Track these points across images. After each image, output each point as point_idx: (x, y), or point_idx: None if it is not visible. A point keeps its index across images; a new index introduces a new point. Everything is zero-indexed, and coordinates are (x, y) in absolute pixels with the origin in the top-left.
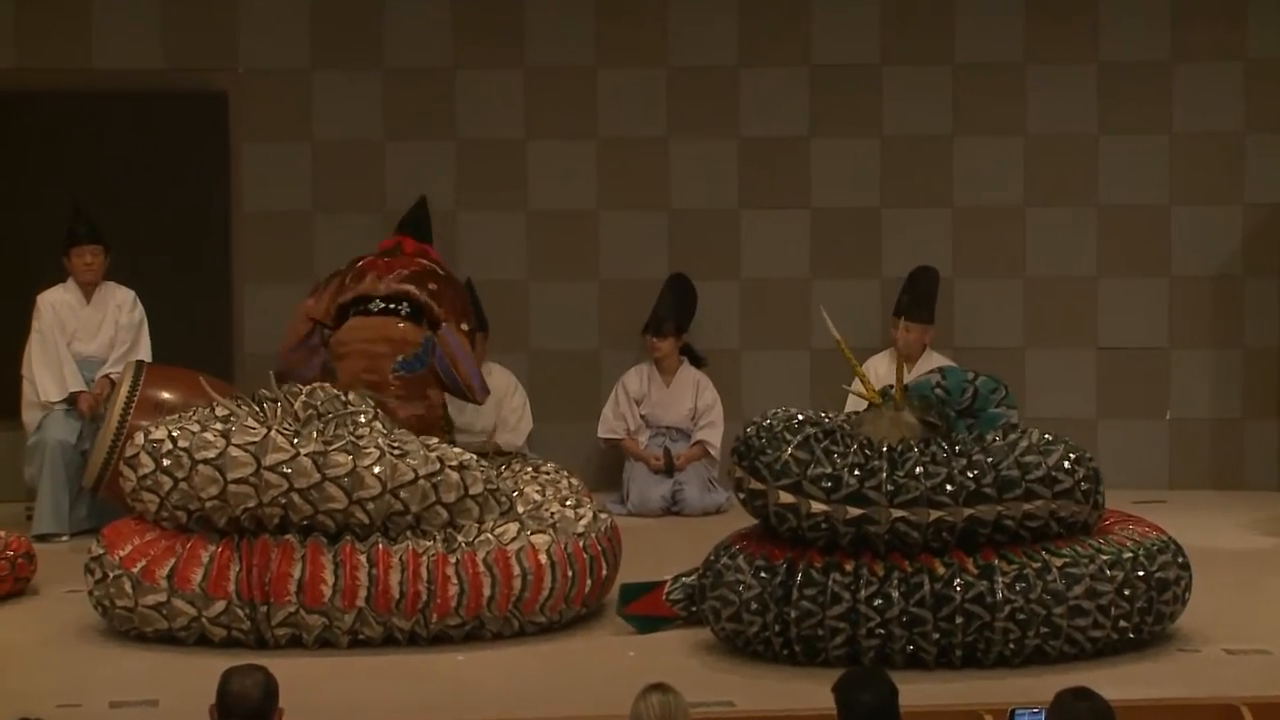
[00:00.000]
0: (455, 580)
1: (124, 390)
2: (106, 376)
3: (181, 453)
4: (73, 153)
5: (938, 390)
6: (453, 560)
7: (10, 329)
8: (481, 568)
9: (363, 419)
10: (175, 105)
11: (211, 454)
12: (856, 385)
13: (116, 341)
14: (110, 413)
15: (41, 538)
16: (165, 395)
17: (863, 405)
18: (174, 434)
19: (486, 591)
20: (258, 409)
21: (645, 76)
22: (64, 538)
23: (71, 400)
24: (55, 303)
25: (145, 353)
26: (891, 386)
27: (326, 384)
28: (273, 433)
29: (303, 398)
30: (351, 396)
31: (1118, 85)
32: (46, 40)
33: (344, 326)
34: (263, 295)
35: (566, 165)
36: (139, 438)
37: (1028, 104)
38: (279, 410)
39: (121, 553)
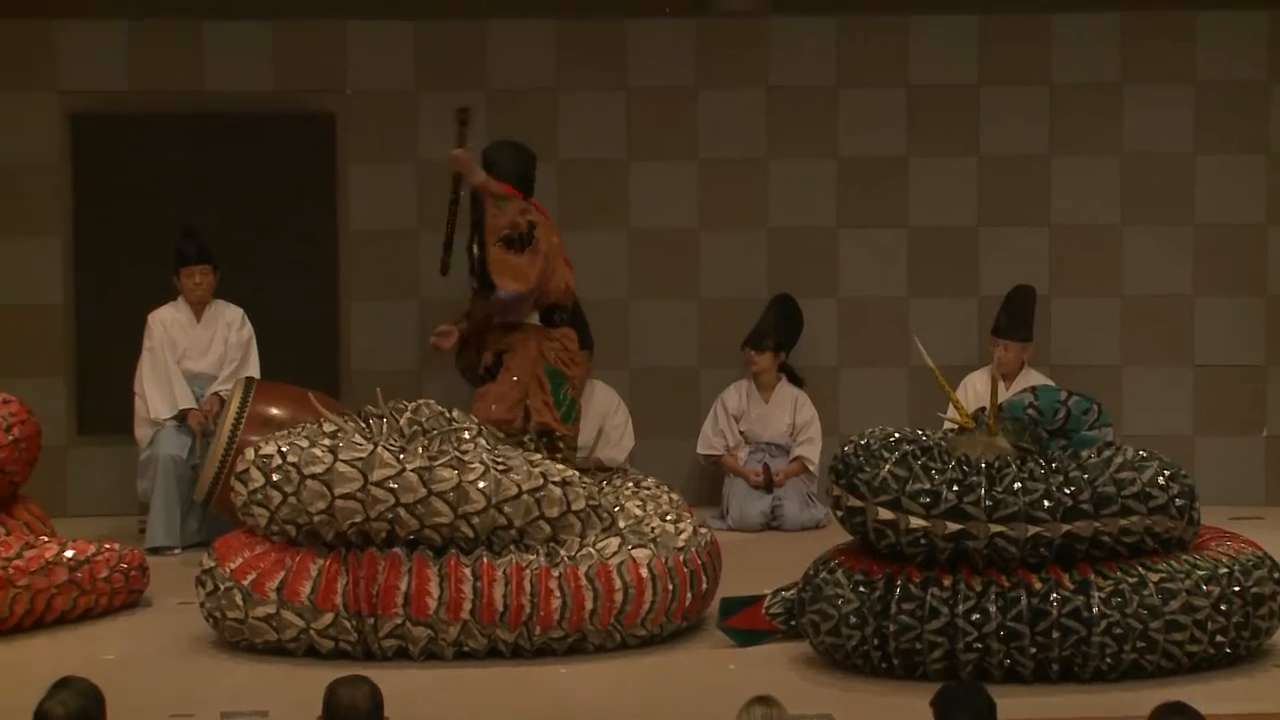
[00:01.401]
0: (558, 594)
1: (234, 406)
2: (216, 393)
3: (290, 468)
4: (184, 173)
5: (1030, 411)
6: (555, 574)
7: (122, 347)
8: (584, 581)
9: (466, 435)
10: (284, 126)
11: (320, 469)
12: (951, 412)
13: (226, 359)
14: (220, 429)
15: (154, 551)
16: (274, 411)
17: (956, 427)
18: (283, 449)
19: (589, 605)
20: (364, 425)
21: (744, 98)
22: (176, 551)
23: (182, 417)
24: (166, 321)
25: (254, 369)
26: (985, 409)
27: (430, 400)
28: (379, 449)
29: (408, 414)
30: (456, 413)
31: (1214, 105)
32: (159, 64)
33: None
34: (368, 312)
35: (667, 185)
36: (249, 453)
37: (1124, 124)
38: (385, 426)
39: (232, 565)
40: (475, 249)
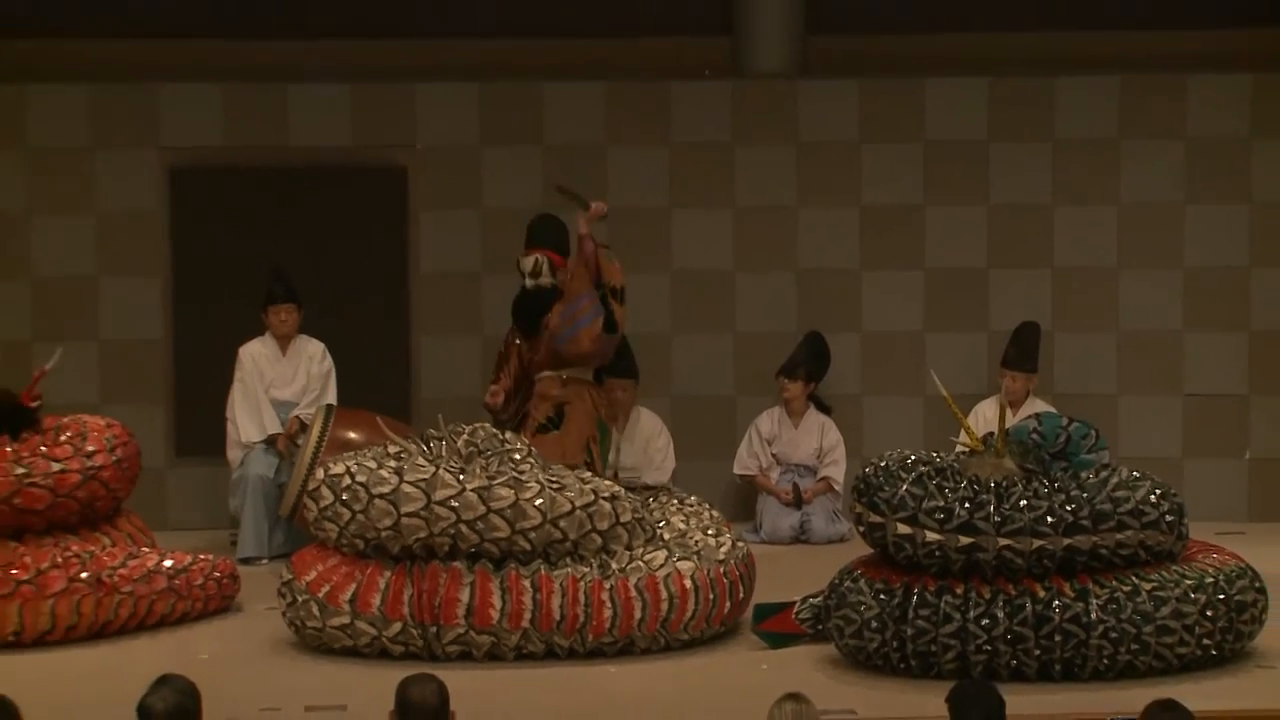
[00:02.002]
0: (610, 605)
1: (316, 431)
2: (297, 416)
3: (359, 487)
4: (271, 220)
5: (1034, 435)
6: (607, 586)
7: (216, 377)
8: (633, 593)
9: (517, 455)
10: (360, 178)
11: (386, 489)
12: (962, 436)
13: (308, 388)
14: (303, 451)
15: (244, 561)
16: (351, 435)
17: (967, 450)
18: (352, 470)
19: (637, 614)
20: (426, 447)
21: (776, 152)
22: (263, 561)
23: (269, 440)
24: (255, 354)
25: (333, 397)
26: (993, 434)
27: (485, 424)
28: (441, 470)
29: (465, 436)
30: (508, 435)
31: (1202, 159)
32: (249, 122)
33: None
34: (436, 346)
35: (706, 231)
36: (320, 473)
37: (1120, 176)
38: (444, 448)
39: (308, 579)
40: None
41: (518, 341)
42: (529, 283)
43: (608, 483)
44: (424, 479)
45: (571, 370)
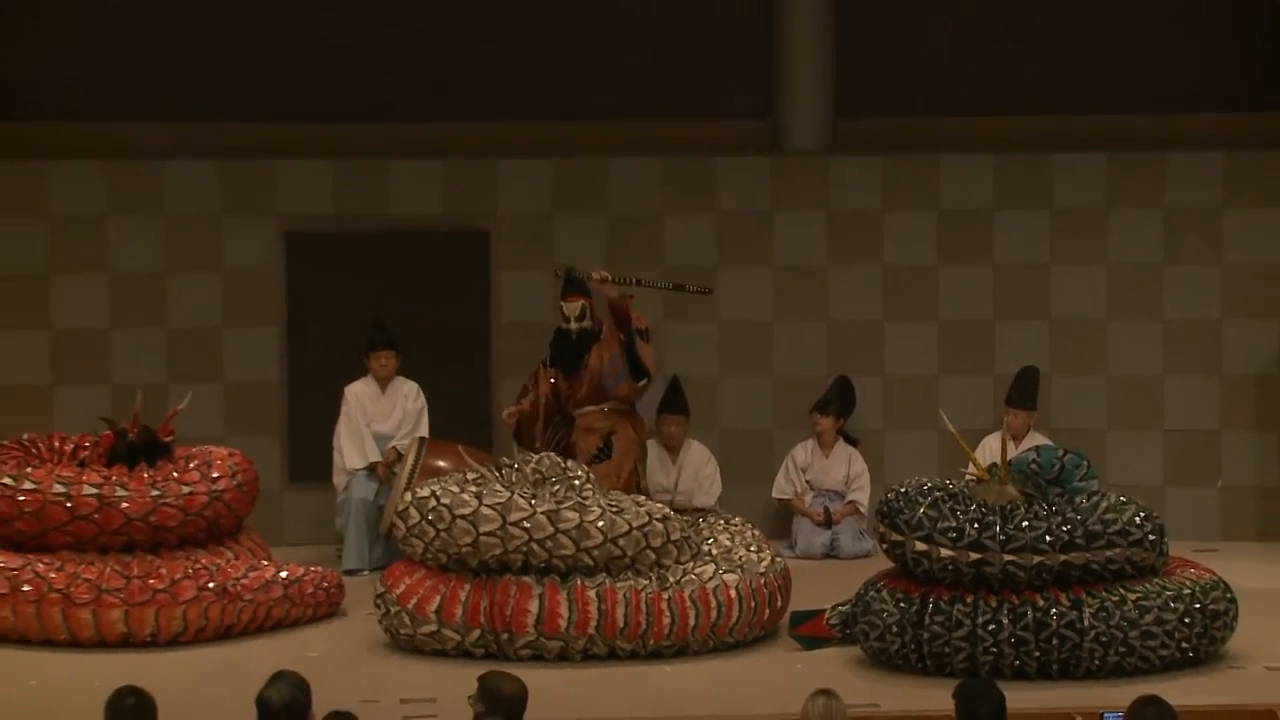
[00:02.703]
0: (668, 614)
1: (410, 459)
2: (394, 447)
3: (443, 509)
4: (373, 277)
5: (1033, 465)
6: (665, 597)
7: (324, 413)
8: (688, 603)
9: (578, 481)
10: (449, 241)
11: (467, 511)
12: (970, 467)
13: (404, 422)
14: (400, 476)
15: (349, 572)
16: (440, 463)
17: (976, 478)
18: (437, 493)
19: (691, 621)
20: (501, 474)
21: (809, 218)
22: (365, 572)
23: (370, 467)
24: (358, 393)
25: (425, 430)
26: (998, 464)
27: (550, 454)
28: (515, 495)
29: (533, 464)
30: (569, 463)
31: (1179, 226)
32: (355, 193)
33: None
34: (514, 387)
35: (748, 286)
36: (408, 496)
37: (1108, 240)
38: (516, 475)
39: (398, 591)
40: (625, 345)
41: (553, 380)
42: (573, 326)
43: (660, 505)
44: (500, 502)
45: (611, 403)
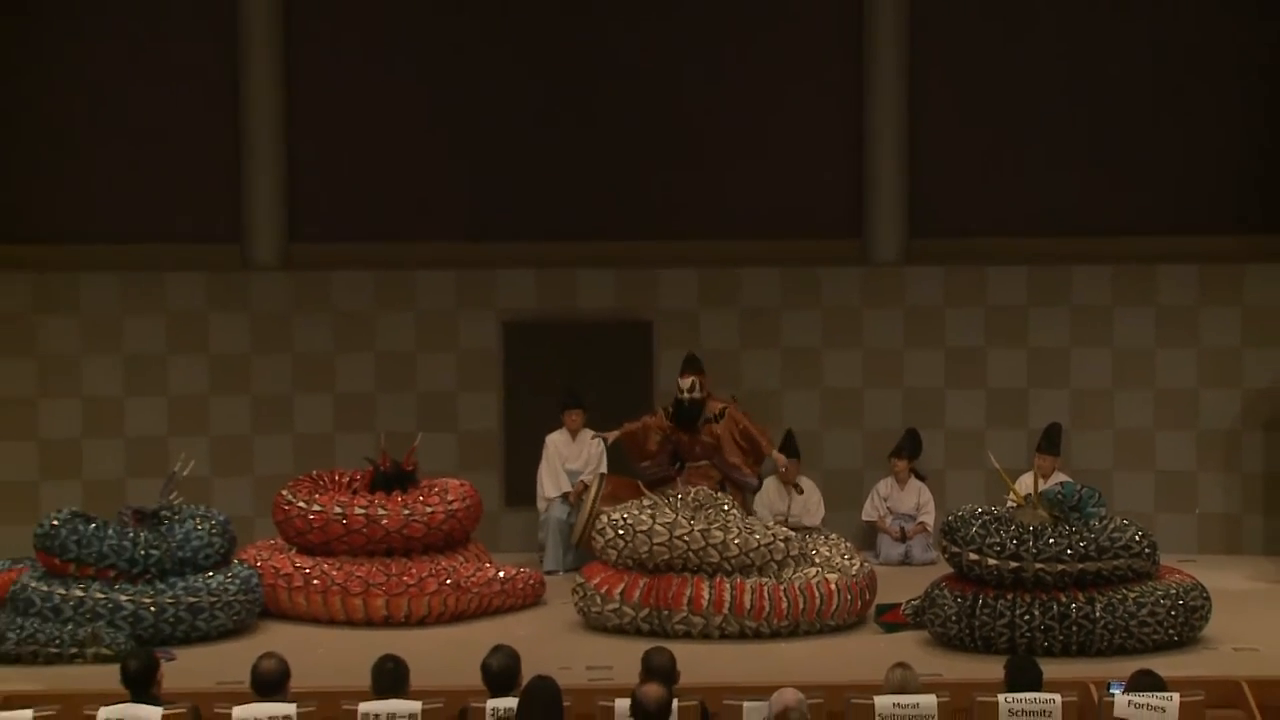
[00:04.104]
0: (784, 600)
1: (594, 490)
2: (582, 480)
3: (629, 526)
4: (566, 356)
5: (1058, 496)
6: (782, 588)
7: (532, 455)
8: (798, 593)
9: (726, 506)
10: (621, 329)
11: (644, 528)
12: (1010, 496)
13: (589, 463)
14: (586, 502)
15: (548, 572)
16: (616, 492)
17: (1014, 505)
18: (624, 517)
19: (801, 606)
20: (668, 501)
21: (889, 313)
22: (560, 573)
23: (564, 495)
24: (555, 441)
25: (605, 468)
26: (1030, 495)
27: (704, 487)
28: (678, 517)
29: (692, 494)
30: (719, 495)
31: (1168, 320)
32: (553, 292)
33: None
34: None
35: (844, 363)
36: (604, 518)
37: (1113, 329)
38: (679, 502)
39: (593, 581)
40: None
41: (673, 433)
42: (686, 396)
43: (783, 529)
44: (668, 522)
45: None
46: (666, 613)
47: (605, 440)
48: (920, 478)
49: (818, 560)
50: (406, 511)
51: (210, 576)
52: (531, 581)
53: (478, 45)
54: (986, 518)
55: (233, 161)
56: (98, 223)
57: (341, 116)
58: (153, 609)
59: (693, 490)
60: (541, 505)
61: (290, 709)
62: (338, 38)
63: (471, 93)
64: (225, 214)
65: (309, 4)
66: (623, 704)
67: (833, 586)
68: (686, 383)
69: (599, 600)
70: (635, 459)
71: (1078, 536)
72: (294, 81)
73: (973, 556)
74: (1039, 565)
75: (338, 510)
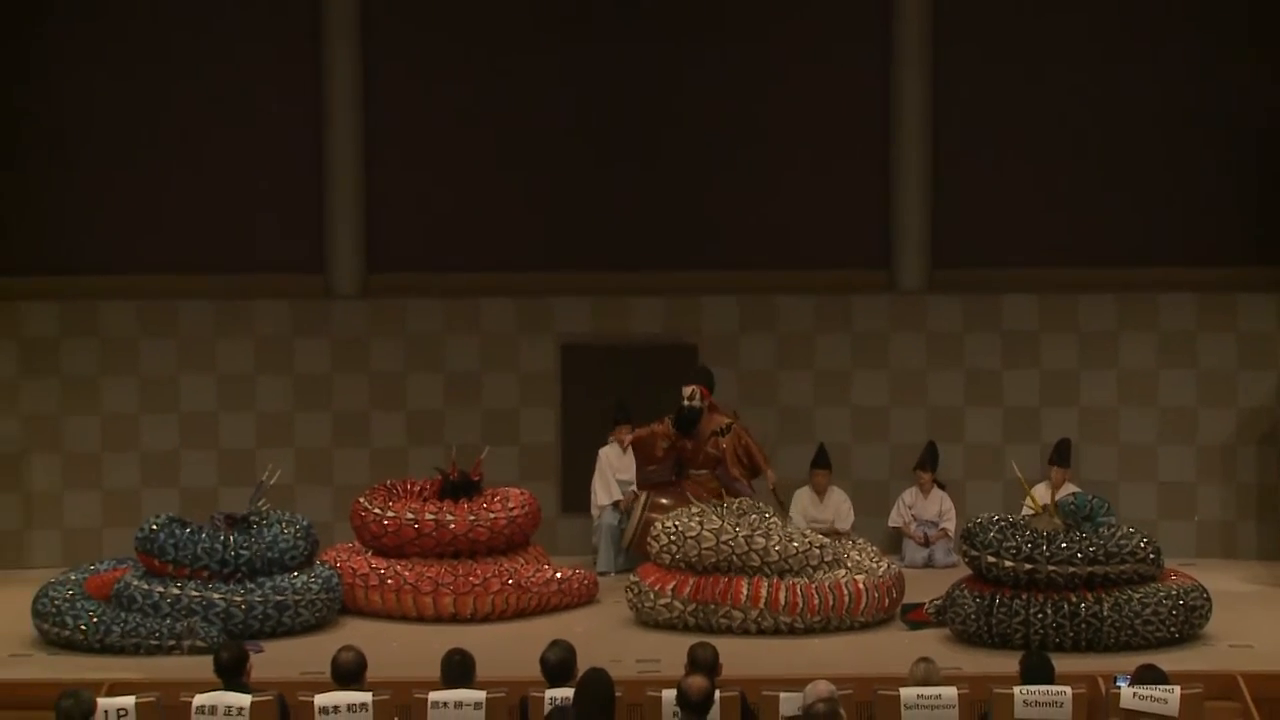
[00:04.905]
0: (816, 597)
1: (643, 498)
2: (632, 490)
3: (680, 532)
4: (619, 377)
5: (1070, 504)
6: (814, 587)
7: (586, 466)
8: (828, 591)
9: (768, 515)
10: (667, 352)
11: (692, 534)
12: (1026, 503)
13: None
14: (635, 510)
15: (601, 573)
16: (664, 501)
17: (1030, 513)
18: (676, 524)
19: (831, 603)
20: (713, 508)
21: (914, 337)
22: (612, 574)
23: (615, 503)
24: (607, 453)
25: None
26: (1047, 504)
27: (746, 498)
28: (724, 523)
29: (737, 504)
30: (760, 504)
31: (1169, 345)
32: (608, 319)
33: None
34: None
35: (872, 383)
36: (657, 525)
37: (1119, 353)
38: (724, 510)
39: (648, 580)
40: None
41: (678, 441)
42: (687, 404)
43: (819, 536)
44: (714, 528)
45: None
46: (712, 607)
47: (623, 444)
48: (942, 487)
49: (848, 564)
50: (472, 517)
51: (295, 577)
52: (586, 582)
53: (539, 92)
54: (1003, 524)
55: (316, 201)
56: (194, 255)
57: (414, 158)
58: (243, 607)
59: (736, 501)
60: (595, 512)
61: (366, 697)
62: (410, 87)
63: (533, 135)
64: (309, 248)
65: (385, 53)
66: (669, 694)
67: (861, 586)
68: (688, 391)
69: (651, 596)
70: (643, 463)
71: (1088, 542)
72: (371, 126)
73: (991, 559)
74: (1052, 568)
75: (410, 516)
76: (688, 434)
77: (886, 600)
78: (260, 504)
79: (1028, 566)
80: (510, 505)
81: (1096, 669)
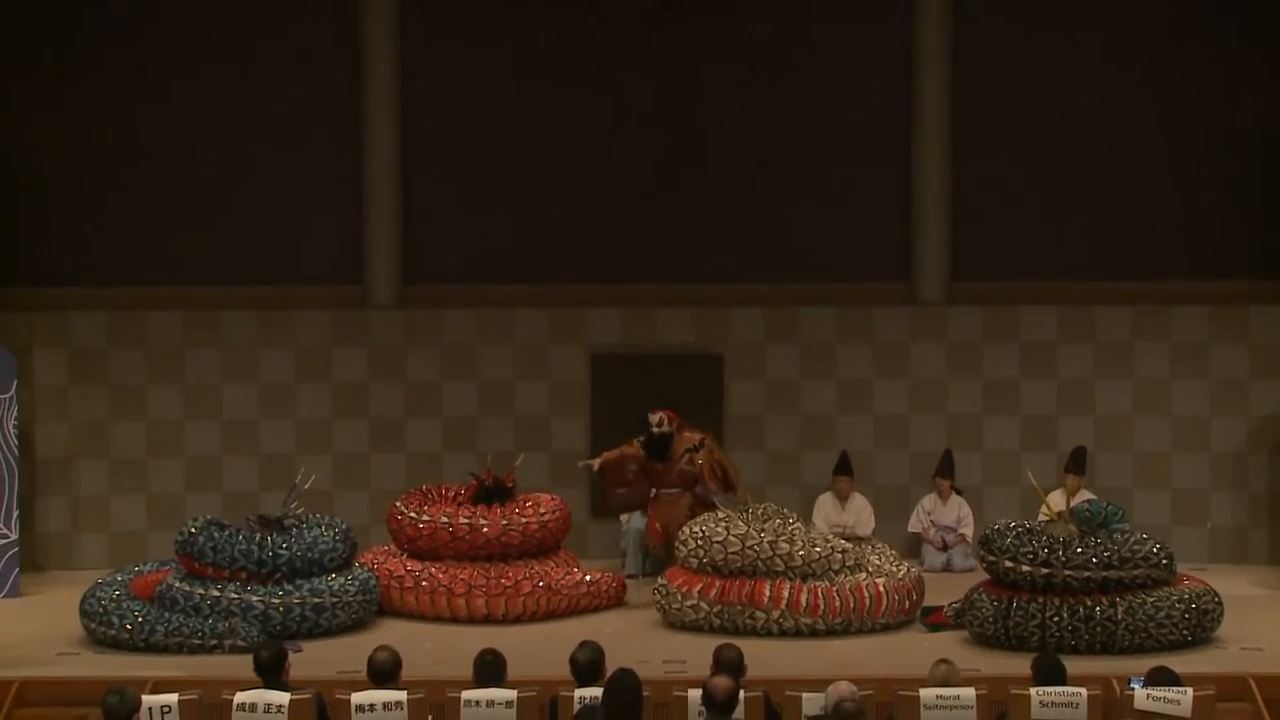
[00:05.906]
0: (837, 600)
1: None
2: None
3: (705, 538)
4: (644, 384)
5: (1085, 511)
6: (835, 589)
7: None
8: (849, 594)
9: (792, 520)
10: (695, 361)
11: (719, 539)
12: (1043, 510)
13: None
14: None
15: (629, 577)
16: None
17: (1046, 519)
18: (704, 529)
19: (852, 606)
20: (739, 514)
21: (933, 347)
22: (639, 577)
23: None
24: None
25: None
26: (1062, 510)
27: (771, 504)
28: (749, 529)
29: (760, 509)
30: (784, 509)
31: (1181, 355)
32: (637, 330)
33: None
34: (740, 458)
35: (892, 391)
36: (685, 530)
37: (1134, 363)
38: (750, 516)
39: (675, 582)
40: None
41: (648, 464)
42: (655, 430)
43: (842, 542)
44: (740, 534)
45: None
46: (737, 609)
47: (592, 466)
48: (960, 493)
49: (869, 567)
50: (504, 522)
51: (333, 579)
52: (614, 584)
53: (573, 111)
54: (1020, 529)
55: (355, 215)
56: (237, 267)
57: (450, 174)
58: (281, 609)
59: (759, 507)
60: (623, 518)
61: (401, 696)
62: (447, 104)
63: (566, 153)
64: (348, 260)
65: (423, 71)
66: (695, 694)
67: (881, 589)
68: (655, 418)
69: (679, 598)
70: (612, 485)
71: (1102, 547)
72: (408, 142)
73: (1008, 564)
74: (1067, 572)
75: (444, 520)
76: (660, 459)
77: (906, 603)
78: (293, 506)
79: (1044, 571)
80: (541, 510)
81: (1111, 671)
